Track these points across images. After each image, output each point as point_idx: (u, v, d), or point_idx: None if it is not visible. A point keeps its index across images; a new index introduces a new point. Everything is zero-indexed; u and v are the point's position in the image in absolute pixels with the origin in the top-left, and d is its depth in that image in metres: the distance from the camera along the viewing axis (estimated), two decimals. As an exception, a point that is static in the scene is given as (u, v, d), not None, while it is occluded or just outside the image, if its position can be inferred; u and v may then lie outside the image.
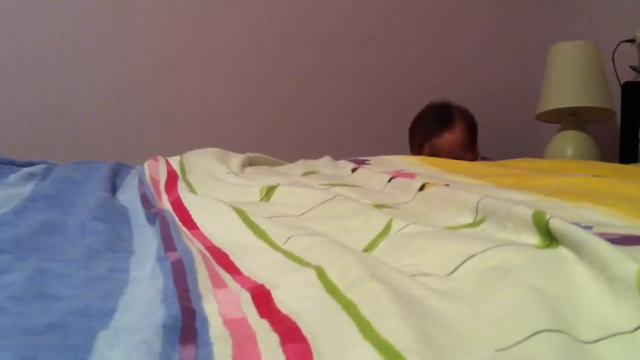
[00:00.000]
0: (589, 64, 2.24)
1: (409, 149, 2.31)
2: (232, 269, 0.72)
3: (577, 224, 0.74)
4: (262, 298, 0.60)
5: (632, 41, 2.33)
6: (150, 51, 2.36)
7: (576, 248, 0.62)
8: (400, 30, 2.65)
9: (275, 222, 0.89)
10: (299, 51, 2.53)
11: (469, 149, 2.17)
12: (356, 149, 2.55)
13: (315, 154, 2.08)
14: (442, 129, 2.13)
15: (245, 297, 0.61)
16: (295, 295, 0.60)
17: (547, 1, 2.81)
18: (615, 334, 0.49)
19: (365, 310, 0.53)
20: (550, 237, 0.68)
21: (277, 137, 2.50)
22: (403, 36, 2.65)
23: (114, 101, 2.32)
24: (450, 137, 2.13)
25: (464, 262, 0.65)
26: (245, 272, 0.71)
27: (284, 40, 2.51)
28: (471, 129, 2.20)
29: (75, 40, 2.27)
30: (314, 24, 2.55)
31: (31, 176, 1.33)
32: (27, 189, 1.21)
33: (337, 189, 1.12)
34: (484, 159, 2.40)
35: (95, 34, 2.29)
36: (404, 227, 0.81)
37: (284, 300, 0.59)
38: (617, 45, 2.37)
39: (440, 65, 2.70)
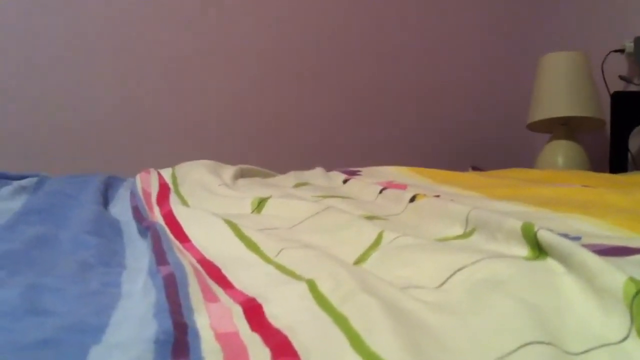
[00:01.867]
0: (579, 74, 2.26)
1: (403, 158, 2.31)
2: (224, 283, 0.73)
3: (566, 235, 0.75)
4: (253, 312, 0.61)
5: (622, 51, 2.35)
6: (147, 61, 2.36)
7: (564, 260, 0.63)
8: (393, 41, 2.66)
9: (267, 235, 0.89)
10: (296, 60, 2.54)
11: None
12: (352, 158, 2.57)
13: (312, 163, 2.10)
14: None
15: (237, 311, 0.61)
16: (287, 309, 0.60)
17: (537, 12, 2.84)
18: (602, 345, 0.50)
19: (356, 324, 0.53)
20: (539, 249, 0.69)
21: (273, 146, 2.50)
22: (396, 47, 2.67)
23: (110, 113, 2.31)
24: None
25: (454, 274, 0.66)
26: (237, 285, 0.71)
27: (281, 48, 2.52)
28: None
29: (71, 52, 2.27)
30: (312, 31, 2.56)
31: (23, 189, 1.32)
32: (19, 202, 1.20)
33: (328, 201, 1.12)
34: (475, 168, 2.41)
35: (92, 42, 2.29)
36: (395, 239, 0.81)
37: (276, 314, 0.59)
38: (607, 55, 2.39)
39: (433, 75, 2.72)
